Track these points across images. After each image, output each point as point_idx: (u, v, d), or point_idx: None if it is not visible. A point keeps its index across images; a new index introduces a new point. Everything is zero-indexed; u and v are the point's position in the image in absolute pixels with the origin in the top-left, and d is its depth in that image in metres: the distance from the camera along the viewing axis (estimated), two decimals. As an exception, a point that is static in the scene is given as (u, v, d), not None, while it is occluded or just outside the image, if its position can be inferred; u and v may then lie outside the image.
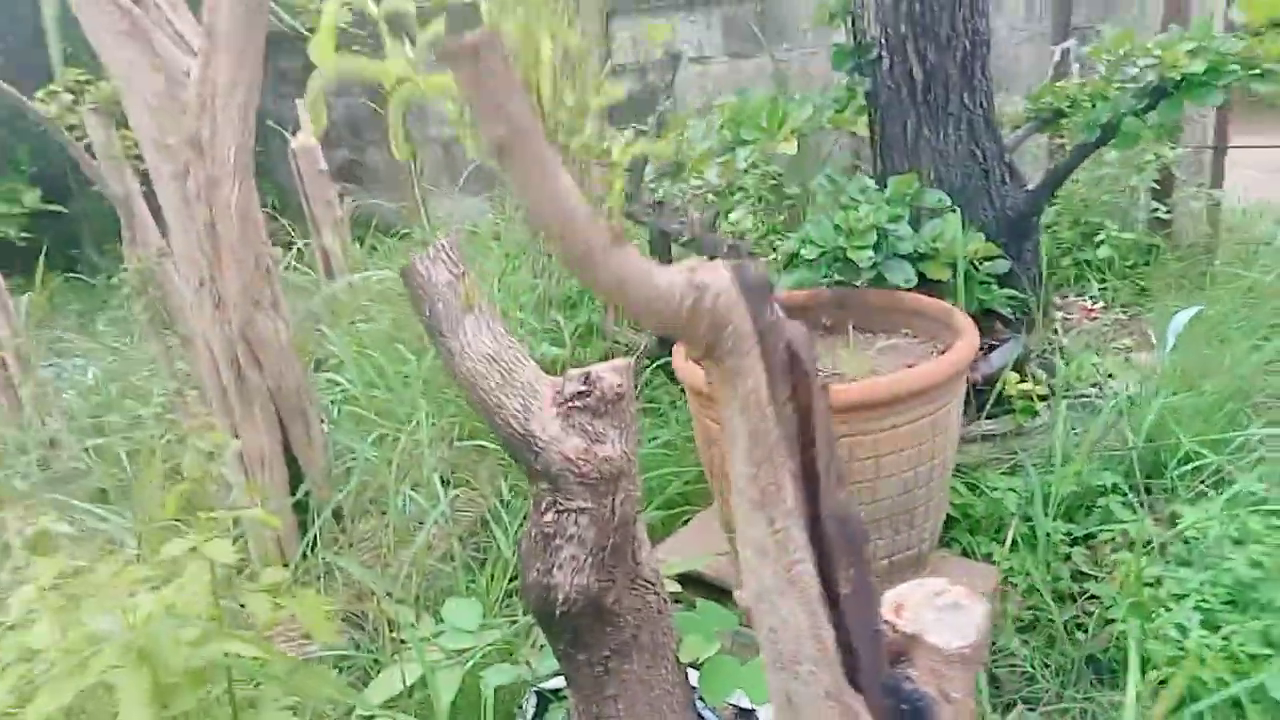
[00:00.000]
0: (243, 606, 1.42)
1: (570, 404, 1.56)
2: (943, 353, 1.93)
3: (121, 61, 2.11)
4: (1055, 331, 2.78)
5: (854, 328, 2.21)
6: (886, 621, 0.83)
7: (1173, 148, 3.66)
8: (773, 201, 3.57)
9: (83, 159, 2.55)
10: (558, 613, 1.56)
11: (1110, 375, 2.58)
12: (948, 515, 2.31)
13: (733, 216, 2.76)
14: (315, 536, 2.41)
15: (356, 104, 6.82)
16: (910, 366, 1.94)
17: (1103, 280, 3.44)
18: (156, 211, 2.54)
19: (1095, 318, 3.08)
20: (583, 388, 1.56)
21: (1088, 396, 2.49)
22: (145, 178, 2.43)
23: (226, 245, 2.24)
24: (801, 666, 0.72)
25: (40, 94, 2.53)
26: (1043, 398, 2.42)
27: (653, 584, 1.87)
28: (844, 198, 2.22)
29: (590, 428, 1.57)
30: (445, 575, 2.37)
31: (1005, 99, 3.72)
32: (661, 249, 2.40)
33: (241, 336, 2.35)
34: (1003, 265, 2.53)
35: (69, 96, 2.47)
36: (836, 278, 2.20)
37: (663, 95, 2.26)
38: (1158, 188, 3.80)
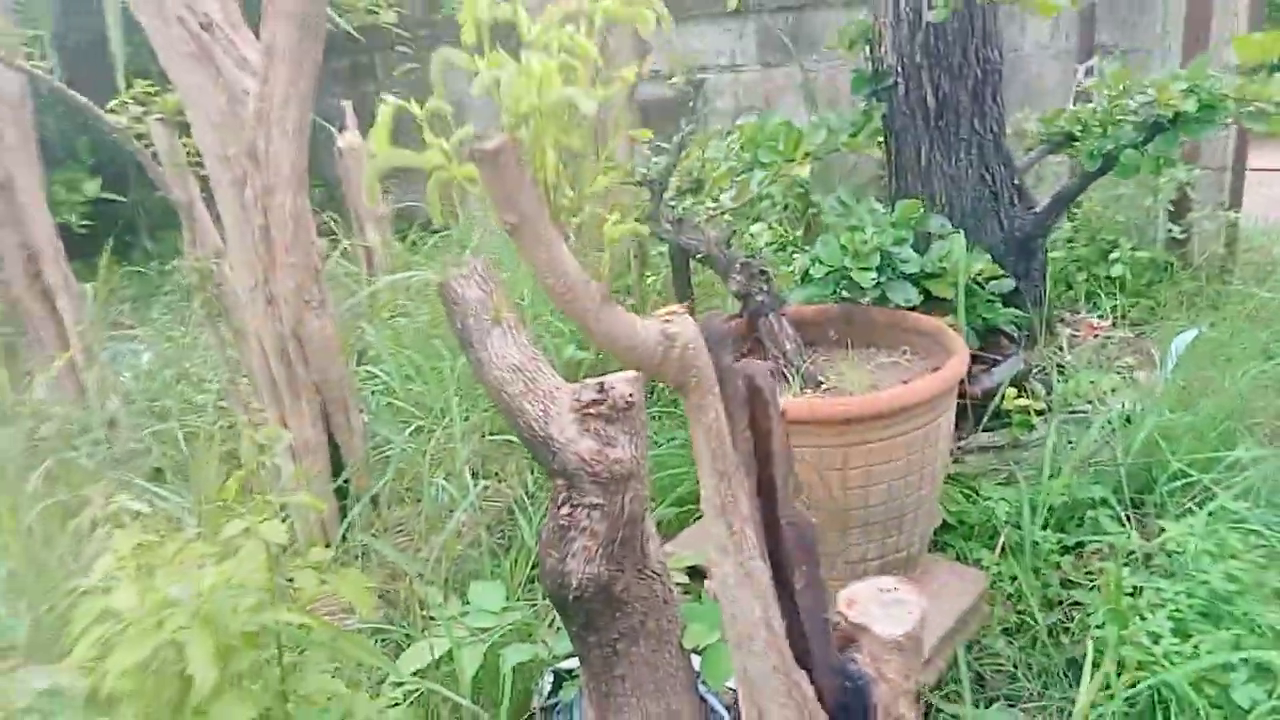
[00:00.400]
0: (290, 581, 1.60)
1: (585, 410, 1.73)
2: (936, 370, 2.06)
3: (188, 81, 2.31)
4: (1059, 348, 2.89)
5: (858, 343, 2.35)
6: (839, 613, 0.99)
7: (1190, 168, 3.74)
8: (798, 209, 3.71)
9: (148, 165, 2.76)
10: (571, 597, 1.73)
11: (1110, 392, 2.70)
12: (944, 521, 2.45)
13: (753, 229, 2.90)
14: (354, 520, 2.61)
15: (401, 99, 7.03)
16: (905, 382, 2.08)
17: (1115, 298, 3.54)
18: (215, 215, 2.75)
19: (1102, 335, 3.19)
20: (597, 396, 1.72)
21: (1084, 413, 2.61)
22: (205, 183, 2.63)
23: (279, 249, 2.44)
24: (755, 645, 0.88)
25: (112, 104, 2.75)
26: (1040, 413, 2.54)
27: (659, 575, 2.04)
28: (852, 220, 2.36)
29: (603, 432, 1.74)
30: (472, 560, 2.55)
31: (1028, 116, 3.82)
32: (681, 264, 2.55)
33: (291, 334, 2.54)
34: (1007, 284, 2.66)
35: (138, 108, 2.68)
36: (844, 295, 2.34)
37: (685, 121, 2.40)
38: (1174, 208, 3.88)
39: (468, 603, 2.22)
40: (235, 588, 1.43)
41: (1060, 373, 2.75)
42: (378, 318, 3.74)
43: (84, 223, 5.97)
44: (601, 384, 1.70)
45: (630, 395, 1.73)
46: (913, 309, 2.35)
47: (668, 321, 0.83)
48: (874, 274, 2.22)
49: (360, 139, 4.93)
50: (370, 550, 2.55)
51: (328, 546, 2.62)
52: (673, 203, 2.59)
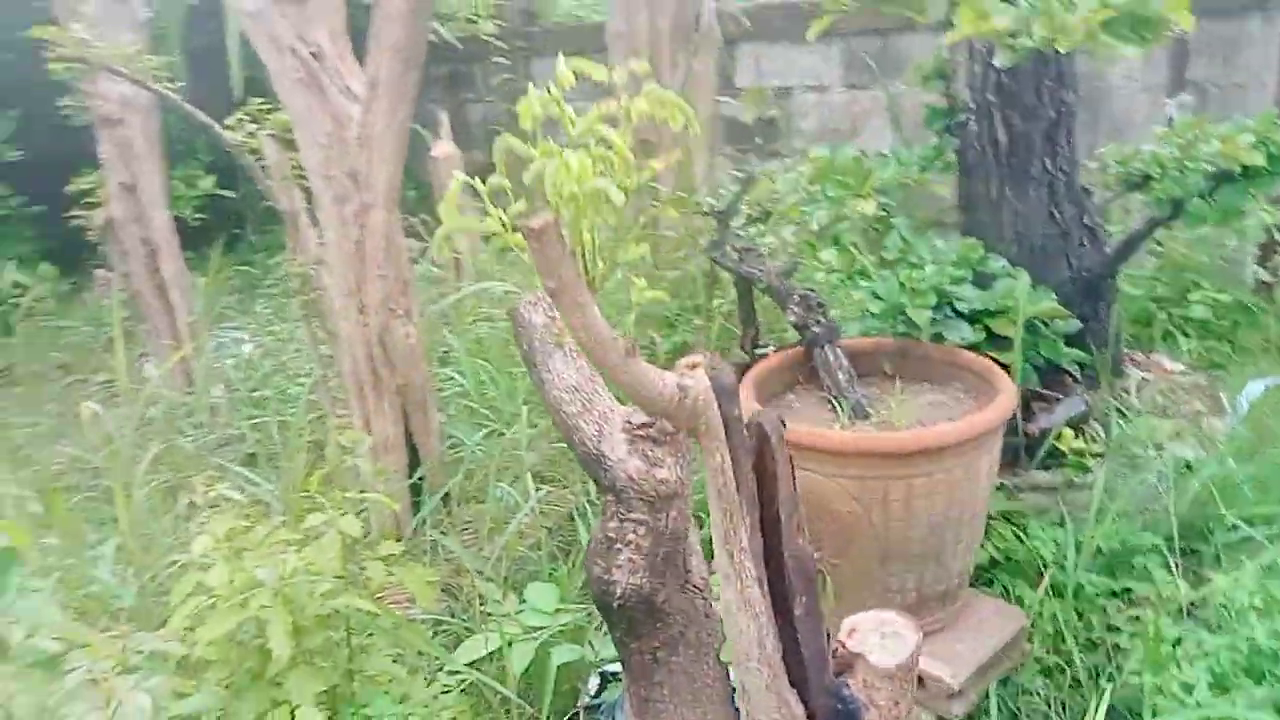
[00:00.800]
0: (363, 570, 1.77)
1: (636, 432, 1.85)
2: (983, 409, 2.12)
3: (297, 104, 2.53)
4: (1126, 390, 2.89)
5: (912, 377, 2.41)
6: (838, 641, 1.08)
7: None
8: (880, 231, 3.76)
9: (258, 177, 3.00)
10: (615, 605, 1.85)
11: (1172, 437, 2.69)
12: (991, 557, 2.49)
13: (824, 255, 2.97)
14: (426, 516, 2.80)
15: (497, 110, 7.28)
16: (951, 420, 2.14)
17: (1193, 341, 3.48)
18: (315, 223, 2.97)
19: (1174, 378, 3.15)
20: (647, 420, 1.85)
21: (1142, 458, 2.61)
22: (308, 195, 2.85)
23: (372, 262, 2.63)
24: (751, 663, 0.99)
25: (229, 121, 3.00)
26: (1097, 455, 2.55)
27: (701, 589, 2.15)
28: (912, 256, 2.43)
29: (651, 454, 1.86)
30: (532, 561, 2.70)
31: (1113, 152, 3.79)
32: (744, 290, 2.66)
33: (378, 340, 2.74)
34: (1072, 325, 2.68)
35: (253, 125, 2.92)
36: (901, 330, 2.41)
37: (755, 157, 2.51)
38: (1261, 251, 3.79)
39: (524, 601, 2.36)
40: (313, 573, 1.60)
41: (1123, 415, 2.75)
42: (461, 324, 3.94)
43: (198, 216, 6.39)
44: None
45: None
46: (973, 346, 2.40)
47: (683, 375, 0.94)
48: (931, 312, 2.28)
49: (453, 148, 5.17)
50: (438, 545, 2.73)
51: (399, 539, 2.81)
52: (740, 231, 2.69)
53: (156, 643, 1.13)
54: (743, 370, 2.77)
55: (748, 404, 2.18)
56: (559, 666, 2.15)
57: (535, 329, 1.87)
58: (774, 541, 1.01)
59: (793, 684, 1.06)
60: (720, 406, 0.96)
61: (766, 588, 0.99)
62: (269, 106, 2.99)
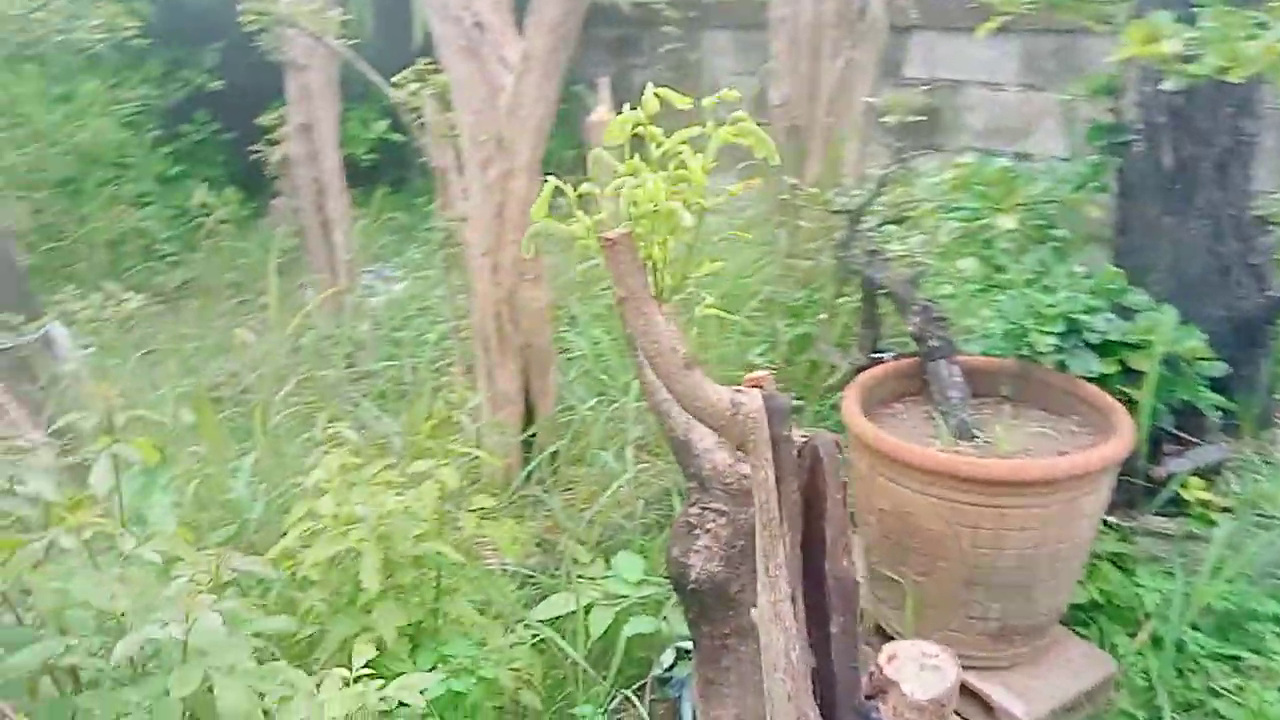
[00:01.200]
0: (455, 520, 1.90)
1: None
2: (1095, 447, 2.04)
3: (457, 70, 2.66)
4: (1270, 444, 2.69)
5: (1029, 403, 2.34)
6: (876, 664, 1.10)
7: None
8: (1035, 240, 3.60)
9: (416, 134, 3.18)
10: (689, 588, 1.90)
11: (1317, 502, 2.49)
12: (1091, 598, 2.40)
13: (960, 264, 2.90)
14: (533, 471, 2.93)
15: (661, 78, 7.33)
16: (1061, 454, 2.07)
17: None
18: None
19: (1334, 437, 2.90)
20: None
21: (1277, 519, 2.44)
22: (460, 155, 2.99)
23: (509, 226, 2.76)
24: (777, 673, 1.02)
25: (395, 79, 3.19)
26: (1225, 509, 2.41)
27: (778, 585, 2.16)
28: (1049, 279, 2.33)
29: (736, 450, 1.89)
30: (626, 530, 2.79)
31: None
32: (868, 294, 2.62)
33: (508, 299, 2.87)
34: (1219, 368, 2.51)
35: (416, 85, 3.09)
36: (1022, 354, 2.33)
37: (892, 162, 2.46)
38: None
39: (610, 568, 2.45)
40: (410, 516, 1.74)
41: (1261, 471, 2.57)
42: (589, 292, 4.04)
43: (369, 155, 6.77)
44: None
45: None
46: (1102, 379, 2.30)
47: (739, 391, 0.97)
48: (1055, 339, 2.19)
49: (610, 115, 5.25)
50: (540, 500, 2.86)
51: (508, 488, 2.96)
52: (872, 233, 2.66)
53: (248, 563, 1.27)
54: (857, 371, 2.75)
55: (851, 408, 2.18)
56: (632, 636, 2.24)
57: (642, 314, 1.93)
58: (818, 560, 1.04)
59: (822, 700, 1.09)
60: (770, 426, 0.99)
61: (802, 603, 1.02)
62: (434, 68, 3.15)
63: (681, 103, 1.12)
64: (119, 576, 1.09)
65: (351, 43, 3.34)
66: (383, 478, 1.84)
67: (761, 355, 3.56)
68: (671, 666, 2.40)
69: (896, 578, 2.14)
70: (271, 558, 1.88)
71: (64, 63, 6.04)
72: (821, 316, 3.48)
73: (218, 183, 6.82)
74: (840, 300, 3.21)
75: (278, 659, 1.46)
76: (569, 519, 2.70)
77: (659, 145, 1.09)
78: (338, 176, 4.34)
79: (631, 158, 1.08)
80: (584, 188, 1.11)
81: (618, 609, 2.28)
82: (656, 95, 1.13)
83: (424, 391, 2.74)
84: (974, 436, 2.20)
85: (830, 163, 3.79)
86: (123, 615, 1.08)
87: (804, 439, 1.17)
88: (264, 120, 4.51)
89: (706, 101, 1.13)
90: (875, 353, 2.71)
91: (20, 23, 3.05)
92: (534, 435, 3.11)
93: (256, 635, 1.27)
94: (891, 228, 2.70)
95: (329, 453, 1.84)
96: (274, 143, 4.39)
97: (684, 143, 1.08)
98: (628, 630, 2.25)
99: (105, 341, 3.99)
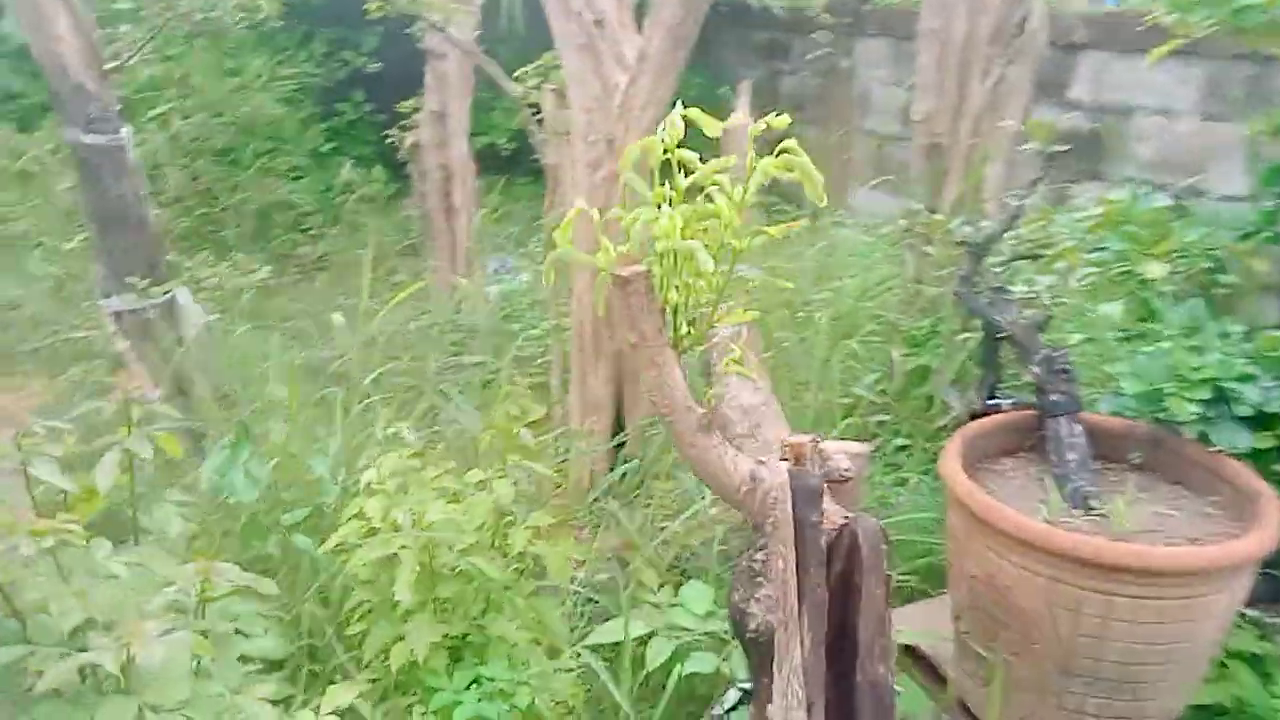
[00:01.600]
0: (505, 536, 1.82)
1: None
2: (1233, 539, 1.77)
3: (574, 66, 2.59)
4: None
5: (1162, 476, 2.07)
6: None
7: None
8: (1206, 287, 3.25)
9: (530, 126, 3.13)
10: (748, 636, 1.77)
11: None
12: (1219, 701, 2.11)
13: (1105, 308, 2.63)
14: (614, 482, 2.84)
15: (808, 85, 7.11)
16: (1192, 542, 1.82)
17: None
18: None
19: None
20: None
21: None
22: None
23: (612, 229, 2.67)
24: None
25: (516, 74, 3.16)
26: (1393, 622, 2.07)
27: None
28: (1198, 338, 2.06)
29: (810, 497, 1.73)
30: (701, 557, 2.65)
31: None
32: (990, 334, 2.40)
33: (604, 303, 2.79)
34: (1400, 457, 2.16)
35: (535, 80, 3.05)
36: (1160, 418, 2.07)
37: (1030, 191, 2.23)
38: None
39: (678, 596, 2.33)
40: (452, 527, 1.67)
41: None
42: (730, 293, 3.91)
43: (509, 145, 6.85)
44: (822, 450, 1.70)
45: (848, 470, 1.71)
46: (1249, 456, 2.01)
47: (761, 463, 0.84)
48: (1198, 407, 1.93)
49: (747, 119, 5.10)
50: (617, 515, 2.76)
51: (584, 499, 2.88)
52: (1000, 268, 2.43)
53: (239, 576, 1.22)
54: (971, 417, 2.52)
55: (950, 460, 1.98)
56: (688, 675, 2.11)
57: (717, 338, 1.80)
58: (850, 663, 0.89)
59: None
60: (795, 508, 0.85)
61: (822, 713, 0.88)
62: (558, 64, 3.10)
63: (711, 128, 0.98)
64: (78, 590, 1.06)
65: (494, 35, 3.34)
66: (438, 484, 1.78)
67: (874, 385, 3.35)
68: (733, 709, 2.26)
69: (985, 653, 1.93)
70: (326, 550, 1.86)
71: (237, 38, 6.37)
72: (941, 350, 3.24)
73: (366, 161, 7.05)
74: (963, 336, 2.98)
75: (283, 667, 1.42)
76: (640, 539, 2.59)
77: (690, 174, 0.96)
78: (466, 164, 4.37)
79: (662, 185, 0.96)
80: (611, 213, 0.99)
81: (678, 643, 2.16)
82: (684, 117, 1.01)
83: (506, 392, 2.69)
84: (1090, 508, 1.96)
85: (971, 186, 3.53)
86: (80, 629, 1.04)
87: (843, 522, 1.02)
88: (403, 105, 4.59)
89: (752, 128, 0.99)
90: (991, 399, 2.48)
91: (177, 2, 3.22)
92: (623, 444, 3.02)
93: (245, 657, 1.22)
94: (1024, 263, 2.46)
95: (388, 451, 1.80)
96: (407, 128, 4.46)
97: (718, 172, 0.95)
98: (686, 667, 2.13)
99: (233, 310, 4.16)
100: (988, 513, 1.79)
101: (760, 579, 1.77)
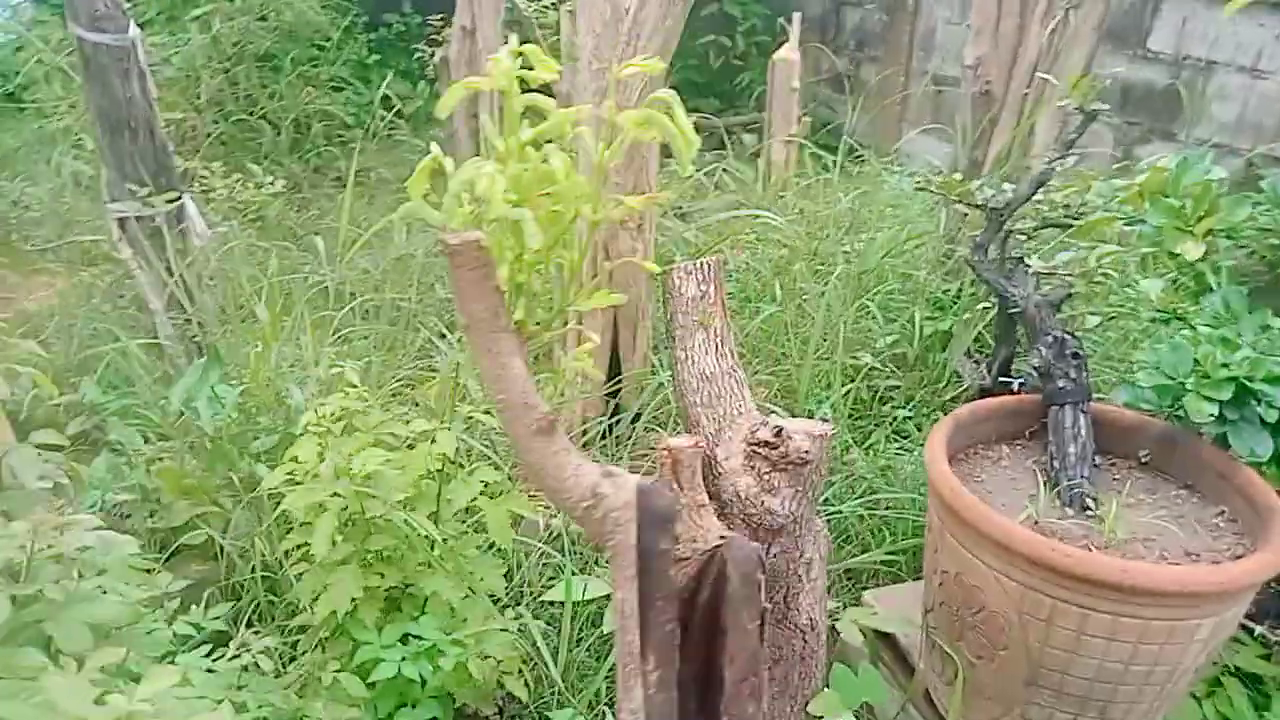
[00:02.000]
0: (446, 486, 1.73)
1: (754, 448, 1.61)
2: (1236, 559, 1.61)
3: (582, -14, 2.40)
4: None
5: (1171, 479, 1.90)
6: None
7: None
8: (1267, 261, 2.99)
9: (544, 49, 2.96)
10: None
11: None
12: None
13: (1144, 284, 2.41)
14: (609, 429, 2.74)
15: (870, 16, 6.74)
16: (1189, 557, 1.66)
17: None
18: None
19: None
20: (770, 439, 1.60)
21: None
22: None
23: (614, 168, 2.51)
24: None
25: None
26: None
27: (804, 632, 1.90)
28: (1230, 331, 1.85)
29: (766, 476, 1.61)
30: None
31: None
32: (1003, 309, 2.21)
33: (603, 245, 2.65)
34: None
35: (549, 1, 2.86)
36: (1176, 416, 1.88)
37: (1057, 149, 2.02)
38: None
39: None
40: (389, 480, 1.58)
41: None
42: (709, 247, 3.74)
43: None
44: (780, 429, 1.57)
45: (807, 452, 1.59)
46: (1269, 465, 1.83)
47: (612, 474, 0.71)
48: (1216, 406, 1.74)
49: (795, 54, 4.83)
50: (611, 459, 2.67)
51: (584, 435, 2.79)
52: (1024, 234, 2.23)
53: (93, 524, 1.13)
54: (981, 393, 2.35)
55: (934, 446, 1.83)
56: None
57: (684, 300, 1.67)
58: (714, 701, 0.78)
59: None
60: (640, 534, 0.72)
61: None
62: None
63: (548, 71, 0.83)
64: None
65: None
66: (383, 430, 1.70)
67: (890, 347, 3.18)
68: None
69: (950, 652, 1.81)
70: (267, 489, 1.79)
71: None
72: (966, 317, 3.05)
73: (410, 77, 6.89)
74: (984, 305, 2.78)
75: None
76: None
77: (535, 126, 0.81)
78: (491, 85, 4.20)
79: (514, 135, 0.82)
80: (472, 165, 0.85)
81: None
82: (519, 53, 0.85)
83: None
84: (1085, 508, 1.80)
85: (1018, 140, 3.27)
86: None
87: (717, 545, 0.89)
88: (435, 20, 4.42)
89: (620, 69, 0.84)
90: (1004, 377, 2.30)
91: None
92: (617, 393, 2.92)
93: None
94: (1055, 232, 2.25)
95: (330, 395, 1.71)
96: (438, 43, 4.30)
97: (573, 125, 0.80)
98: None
99: (250, 222, 4.10)
100: (963, 508, 1.64)
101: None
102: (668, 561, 0.79)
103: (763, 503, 1.58)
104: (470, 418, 1.78)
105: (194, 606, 1.79)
